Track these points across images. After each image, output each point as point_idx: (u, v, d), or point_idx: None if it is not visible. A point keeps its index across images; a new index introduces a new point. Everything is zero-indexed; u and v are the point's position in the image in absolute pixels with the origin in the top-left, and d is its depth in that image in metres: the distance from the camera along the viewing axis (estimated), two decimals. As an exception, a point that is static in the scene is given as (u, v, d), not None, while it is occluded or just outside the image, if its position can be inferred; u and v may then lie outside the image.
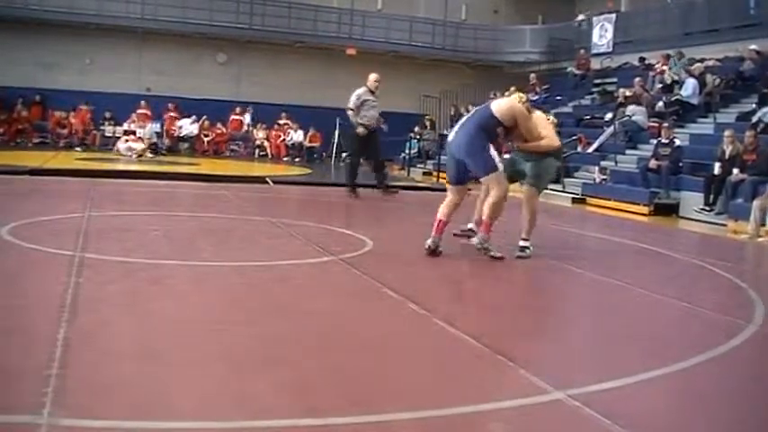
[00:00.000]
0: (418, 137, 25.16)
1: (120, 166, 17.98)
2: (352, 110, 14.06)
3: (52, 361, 3.58)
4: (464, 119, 7.90)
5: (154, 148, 23.00)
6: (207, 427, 3.04)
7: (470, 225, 8.36)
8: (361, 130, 13.87)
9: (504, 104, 7.71)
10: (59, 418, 2.95)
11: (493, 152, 7.53)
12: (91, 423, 2.97)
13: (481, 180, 7.81)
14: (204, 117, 25.77)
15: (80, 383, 3.38)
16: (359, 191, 13.84)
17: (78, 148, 23.20)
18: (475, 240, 7.62)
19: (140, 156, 21.32)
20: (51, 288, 5.10)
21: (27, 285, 5.38)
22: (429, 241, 7.50)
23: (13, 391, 3.24)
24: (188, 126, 25.61)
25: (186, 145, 25.51)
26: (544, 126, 8.11)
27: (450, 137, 7.80)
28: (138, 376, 3.56)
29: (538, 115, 8.16)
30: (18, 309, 4.64)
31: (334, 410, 3.30)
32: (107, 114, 25.37)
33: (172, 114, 25.72)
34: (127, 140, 22.33)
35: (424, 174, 22.59)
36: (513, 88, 8.29)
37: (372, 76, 14.31)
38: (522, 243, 7.93)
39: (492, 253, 7.46)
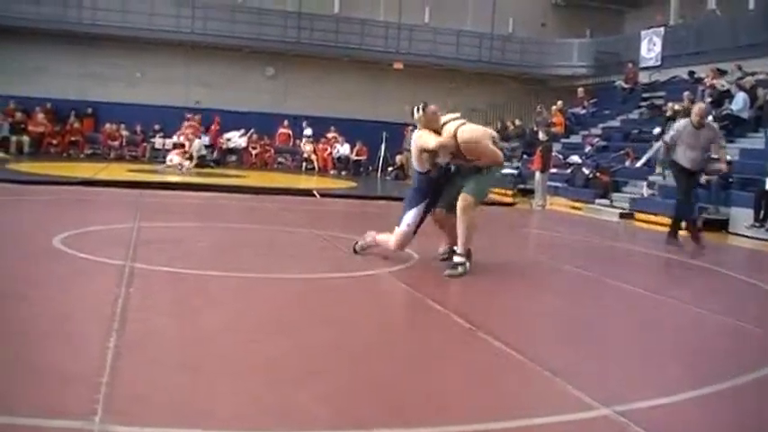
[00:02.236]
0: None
1: (169, 178, 18.20)
2: (666, 144, 11.41)
3: (103, 368, 3.64)
4: None
5: (202, 161, 23.24)
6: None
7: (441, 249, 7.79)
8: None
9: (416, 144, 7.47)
10: (110, 425, 3.01)
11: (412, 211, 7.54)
12: (140, 430, 3.02)
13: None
14: (252, 130, 26.05)
15: (129, 391, 3.44)
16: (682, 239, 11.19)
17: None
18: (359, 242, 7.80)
19: (181, 167, 21.60)
20: (102, 297, 5.19)
21: (79, 294, 5.48)
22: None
23: (66, 397, 3.30)
24: (236, 139, 25.88)
25: (234, 157, 25.78)
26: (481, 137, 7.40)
27: None
28: (186, 385, 3.61)
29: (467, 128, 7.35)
30: (71, 316, 4.74)
31: (376, 423, 3.31)
32: (156, 127, 25.72)
33: (194, 125, 25.48)
34: (176, 153, 22.62)
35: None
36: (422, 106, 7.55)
37: (696, 108, 11.17)
38: (456, 258, 7.17)
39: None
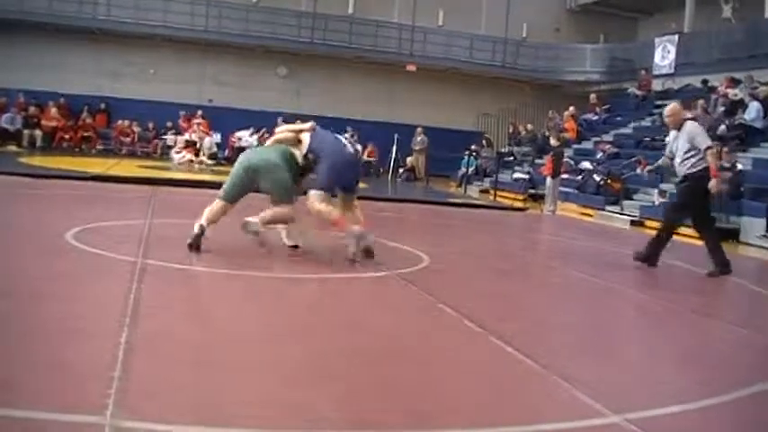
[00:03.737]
0: (475, 154, 25.11)
1: (181, 175, 18.22)
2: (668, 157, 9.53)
3: (115, 363, 3.65)
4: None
5: (213, 158, 23.31)
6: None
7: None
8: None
9: None
10: (121, 420, 3.02)
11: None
12: (151, 426, 3.03)
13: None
14: (264, 129, 26.03)
15: (141, 387, 3.45)
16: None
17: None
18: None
19: (191, 162, 21.71)
20: (114, 292, 5.20)
21: (91, 289, 5.49)
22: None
23: (78, 391, 3.31)
24: (247, 137, 25.90)
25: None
26: None
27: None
28: (197, 382, 3.61)
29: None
30: (83, 312, 4.74)
31: (387, 424, 3.32)
32: (168, 124, 25.76)
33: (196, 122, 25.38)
34: (179, 151, 22.69)
35: (482, 191, 22.54)
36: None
37: (666, 108, 9.65)
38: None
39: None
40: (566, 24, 30.81)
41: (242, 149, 25.64)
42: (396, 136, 25.35)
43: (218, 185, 8.51)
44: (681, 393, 4.17)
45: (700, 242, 9.36)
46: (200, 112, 25.46)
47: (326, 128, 8.17)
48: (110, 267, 6.30)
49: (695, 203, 8.98)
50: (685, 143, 8.86)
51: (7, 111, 23.44)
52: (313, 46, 27.20)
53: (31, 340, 4.04)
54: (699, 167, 8.70)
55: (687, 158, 8.83)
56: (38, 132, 23.63)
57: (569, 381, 4.07)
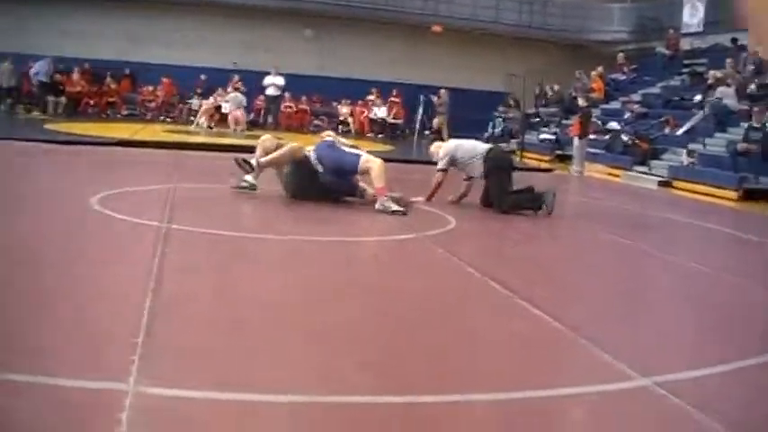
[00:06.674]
0: (502, 116, 24.88)
1: (205, 139, 18.21)
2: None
3: (138, 329, 3.63)
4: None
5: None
6: (290, 401, 3.04)
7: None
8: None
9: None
10: (144, 386, 2.99)
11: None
12: (175, 392, 3.01)
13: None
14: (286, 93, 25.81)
15: (165, 352, 3.44)
16: None
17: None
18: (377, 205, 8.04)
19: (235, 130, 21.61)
20: (139, 257, 5.19)
21: (116, 254, 5.48)
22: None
23: (101, 357, 3.30)
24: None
25: (270, 119, 25.60)
26: None
27: None
28: (222, 348, 3.59)
29: None
30: (107, 277, 4.75)
31: (416, 390, 3.28)
32: (198, 90, 25.61)
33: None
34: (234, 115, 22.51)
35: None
36: None
37: None
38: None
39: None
40: (593, -17, 30.35)
41: (270, 99, 25.33)
42: (422, 97, 25.15)
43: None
44: (710, 356, 4.11)
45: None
46: (236, 77, 25.11)
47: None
48: (134, 232, 6.29)
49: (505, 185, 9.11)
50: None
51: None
52: (338, 8, 26.98)
53: (55, 306, 4.04)
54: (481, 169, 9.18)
55: (469, 166, 9.42)
56: (62, 99, 23.63)
57: (598, 344, 4.02)
